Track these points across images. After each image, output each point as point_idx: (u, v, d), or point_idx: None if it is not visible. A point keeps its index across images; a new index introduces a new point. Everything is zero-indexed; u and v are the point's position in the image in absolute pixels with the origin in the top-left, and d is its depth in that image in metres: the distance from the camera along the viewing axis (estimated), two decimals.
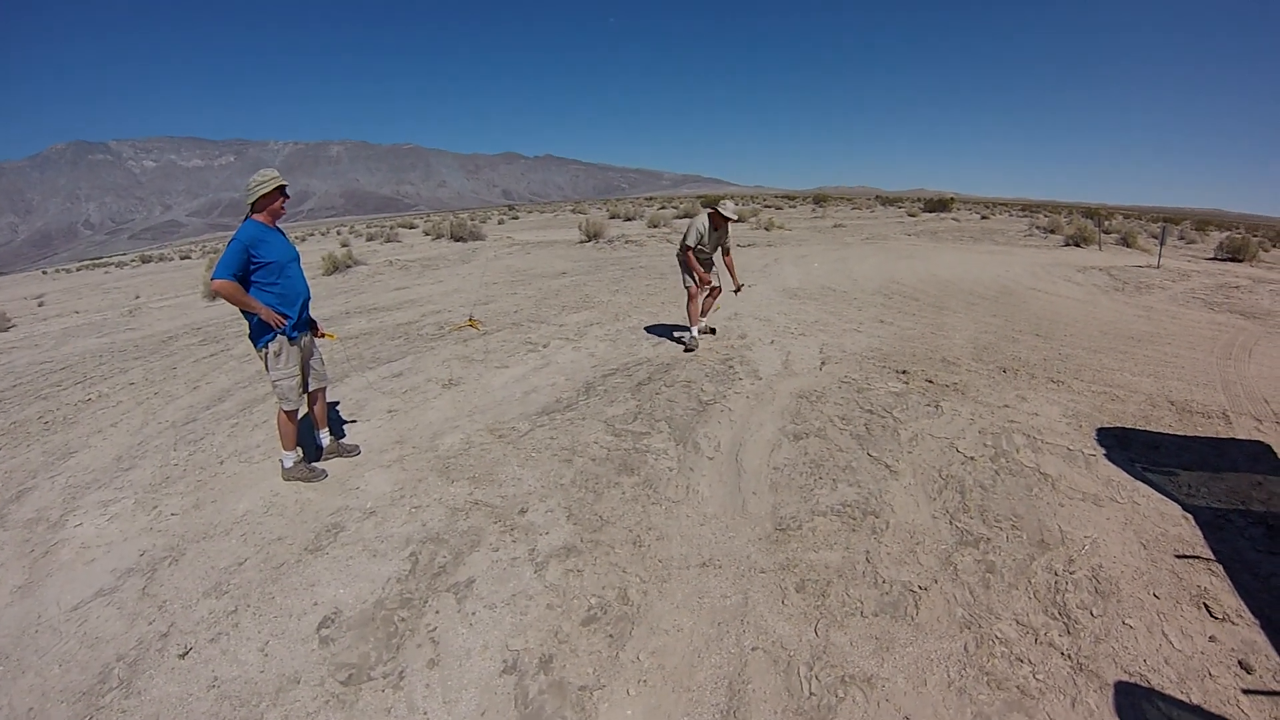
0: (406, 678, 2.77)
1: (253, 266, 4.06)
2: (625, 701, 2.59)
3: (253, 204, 4.13)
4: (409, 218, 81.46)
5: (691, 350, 7.16)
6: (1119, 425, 4.96)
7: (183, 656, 2.99)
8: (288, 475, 4.56)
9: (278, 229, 4.31)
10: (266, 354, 4.25)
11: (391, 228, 40.91)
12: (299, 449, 4.64)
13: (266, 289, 4.15)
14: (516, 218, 51.11)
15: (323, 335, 4.74)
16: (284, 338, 4.24)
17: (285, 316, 4.22)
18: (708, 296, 7.47)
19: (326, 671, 2.83)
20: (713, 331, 7.94)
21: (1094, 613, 2.95)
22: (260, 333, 4.22)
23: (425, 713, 2.59)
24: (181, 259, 40.30)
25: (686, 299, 7.24)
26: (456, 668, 2.80)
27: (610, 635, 2.94)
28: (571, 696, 2.62)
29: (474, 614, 3.11)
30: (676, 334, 7.93)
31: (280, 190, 4.18)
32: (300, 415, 4.60)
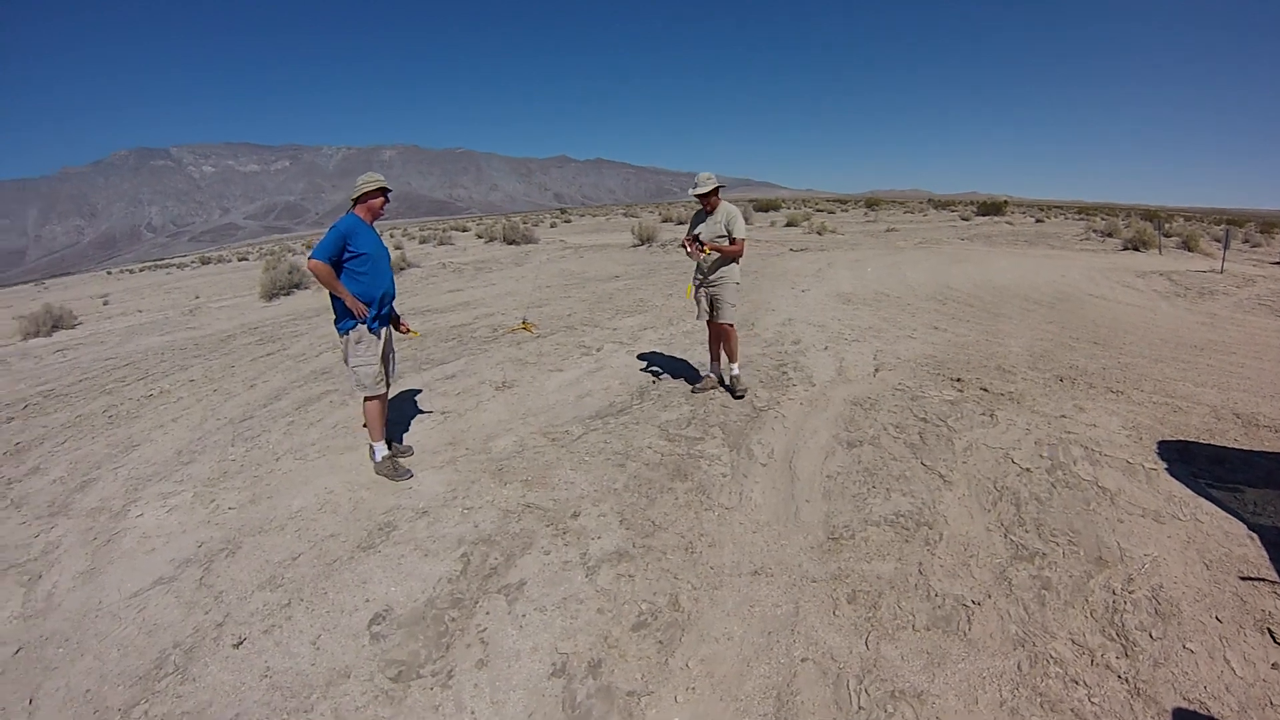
0: (455, 677, 2.79)
1: (347, 255, 4.30)
2: (673, 709, 2.58)
3: (355, 199, 4.44)
4: (461, 221, 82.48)
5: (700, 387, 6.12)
6: (1181, 438, 4.77)
7: (237, 646, 3.07)
8: (378, 469, 4.69)
9: (373, 228, 4.55)
10: (347, 341, 4.44)
11: (444, 230, 41.56)
12: (386, 442, 4.78)
13: (357, 278, 4.37)
14: (569, 221, 51.42)
15: (406, 330, 4.89)
16: (365, 326, 4.42)
17: (368, 306, 4.41)
18: (712, 338, 6.14)
19: (376, 667, 2.87)
20: (731, 391, 5.98)
21: (1153, 635, 2.83)
22: (343, 318, 4.43)
23: (473, 712, 2.61)
24: (239, 260, 41.43)
25: None
26: (505, 669, 2.82)
27: (660, 641, 2.93)
28: (619, 702, 2.62)
29: (524, 616, 3.13)
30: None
31: (381, 190, 4.47)
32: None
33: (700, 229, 5.68)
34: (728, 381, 6.08)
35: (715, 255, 5.58)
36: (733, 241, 5.56)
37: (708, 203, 5.64)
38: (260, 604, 3.36)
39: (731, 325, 5.83)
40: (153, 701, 2.78)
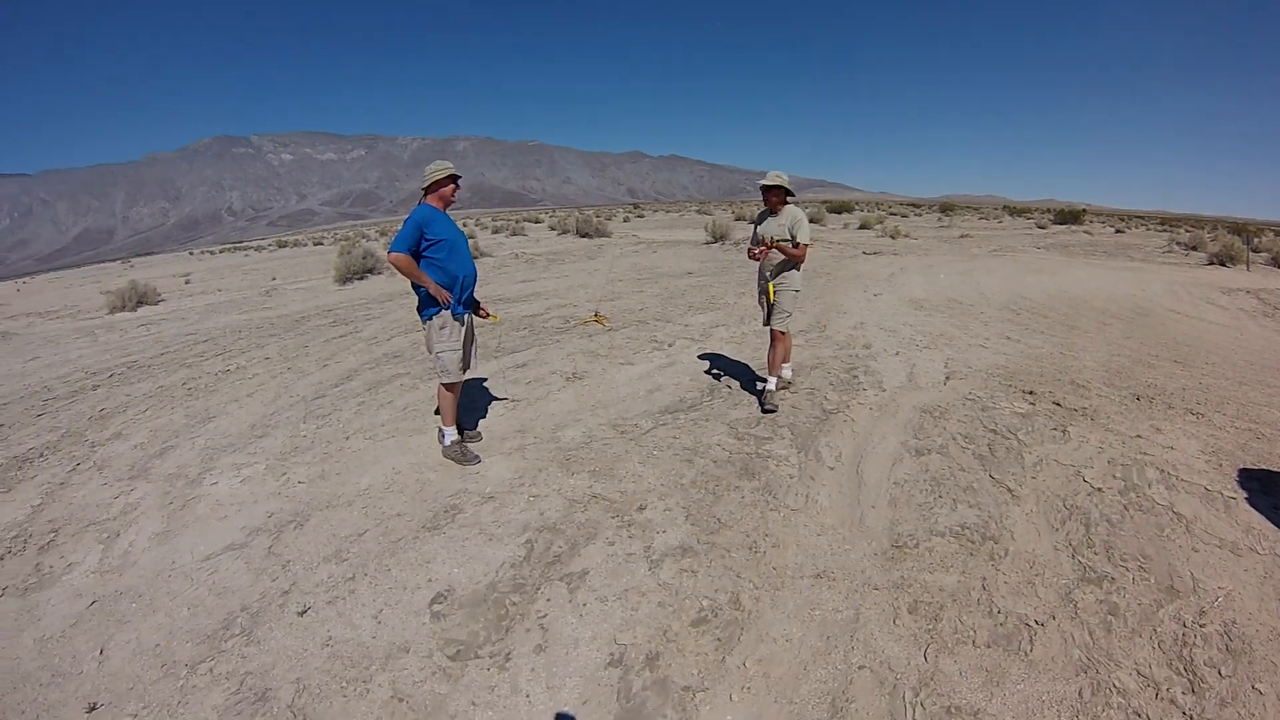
0: (513, 659, 2.84)
1: (424, 243, 4.38)
2: (727, 706, 2.58)
3: (426, 188, 4.52)
4: (534, 212, 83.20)
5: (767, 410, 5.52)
6: (1265, 467, 4.51)
7: (302, 614, 3.19)
8: (446, 452, 4.79)
9: (446, 214, 4.62)
10: (431, 327, 4.53)
11: (517, 222, 42.06)
12: (457, 427, 4.87)
13: (437, 264, 4.44)
14: (642, 216, 51.53)
15: (486, 315, 5.02)
16: (448, 313, 4.50)
17: (451, 290, 4.50)
18: (771, 345, 5.69)
19: (435, 645, 2.94)
20: (761, 402, 5.65)
21: (1222, 672, 2.69)
22: (427, 305, 4.52)
23: (528, 695, 2.65)
24: (315, 245, 42.55)
25: None
26: (563, 655, 2.86)
27: (719, 639, 2.94)
28: (674, 696, 2.63)
29: (585, 605, 3.17)
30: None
31: (451, 178, 4.54)
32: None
33: (763, 228, 5.55)
34: (768, 386, 5.67)
35: (778, 257, 5.48)
36: (796, 245, 5.39)
37: (769, 199, 5.49)
38: (325, 575, 3.48)
39: (783, 333, 5.62)
40: (218, 660, 2.91)
